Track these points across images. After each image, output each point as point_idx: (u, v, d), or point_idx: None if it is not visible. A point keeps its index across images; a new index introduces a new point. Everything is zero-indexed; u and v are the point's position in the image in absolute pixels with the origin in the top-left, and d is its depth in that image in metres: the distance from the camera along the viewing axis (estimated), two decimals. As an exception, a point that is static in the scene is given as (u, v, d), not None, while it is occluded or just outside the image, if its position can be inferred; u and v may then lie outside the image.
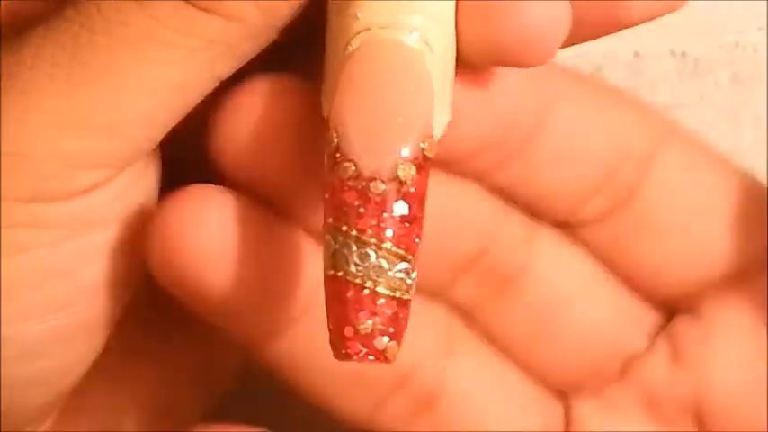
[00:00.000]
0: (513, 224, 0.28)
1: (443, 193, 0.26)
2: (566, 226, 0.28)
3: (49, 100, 0.23)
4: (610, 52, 0.34)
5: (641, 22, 0.25)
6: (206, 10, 0.23)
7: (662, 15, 0.25)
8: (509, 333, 0.28)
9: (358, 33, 0.23)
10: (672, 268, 0.28)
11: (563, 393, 0.29)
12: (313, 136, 0.24)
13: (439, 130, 0.24)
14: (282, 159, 0.25)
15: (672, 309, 0.29)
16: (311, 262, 0.25)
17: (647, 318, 0.29)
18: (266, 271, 0.25)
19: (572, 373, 0.29)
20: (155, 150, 0.25)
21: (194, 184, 0.25)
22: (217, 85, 0.24)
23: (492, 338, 0.28)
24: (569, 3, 0.23)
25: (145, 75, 0.23)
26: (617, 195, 0.27)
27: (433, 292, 0.28)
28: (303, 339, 0.26)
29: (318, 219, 0.24)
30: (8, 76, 0.24)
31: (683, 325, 0.29)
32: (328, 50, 0.24)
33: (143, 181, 0.25)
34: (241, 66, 0.24)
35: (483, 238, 0.27)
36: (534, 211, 0.28)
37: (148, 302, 0.27)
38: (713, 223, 0.28)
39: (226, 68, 0.24)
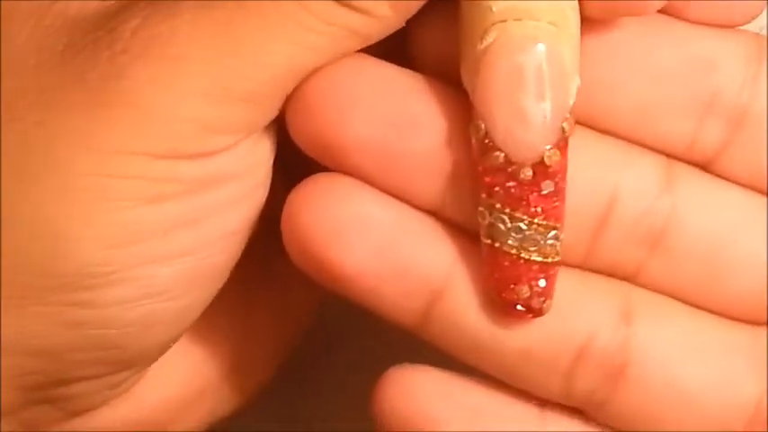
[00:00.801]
0: (644, 166, 0.27)
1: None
2: (700, 166, 0.28)
3: (199, 67, 0.25)
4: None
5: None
6: (350, 8, 0.26)
7: None
8: (681, 287, 0.28)
9: (493, 24, 0.25)
10: None
11: None
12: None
13: (571, 97, 0.26)
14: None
15: None
16: (444, 238, 0.27)
17: None
18: (401, 251, 0.27)
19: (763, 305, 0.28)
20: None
21: (320, 174, 0.27)
22: None
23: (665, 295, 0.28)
24: None
25: (286, 54, 0.25)
26: (732, 112, 0.27)
27: (582, 262, 0.27)
28: (452, 317, 0.27)
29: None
30: (161, 41, 0.25)
31: None
32: (462, 34, 0.26)
33: (263, 142, 0.27)
34: None
35: (612, 187, 0.27)
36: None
37: None
38: None
39: (354, 50, 0.26)
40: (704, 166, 0.28)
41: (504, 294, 0.26)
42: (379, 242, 0.26)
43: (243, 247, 0.27)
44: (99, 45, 0.26)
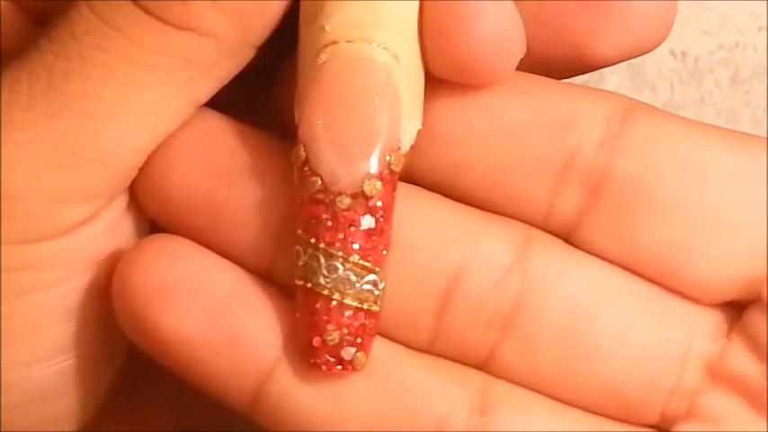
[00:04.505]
0: (495, 238, 0.25)
1: (401, 210, 0.24)
2: (562, 236, 0.25)
3: (28, 133, 0.23)
4: (610, 52, 0.35)
5: (607, 63, 0.25)
6: (180, 27, 0.23)
7: (629, 58, 0.25)
8: (539, 374, 0.25)
9: (326, 46, 0.23)
10: (697, 243, 0.25)
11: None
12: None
13: (408, 139, 0.24)
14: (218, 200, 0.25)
15: (740, 303, 0.25)
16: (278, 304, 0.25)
17: (706, 317, 0.25)
18: (231, 318, 0.25)
19: (641, 400, 0.25)
20: None
21: (155, 235, 0.25)
22: (195, 109, 0.24)
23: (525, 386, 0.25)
24: (522, 24, 0.24)
25: (124, 99, 0.23)
26: (589, 177, 0.25)
27: (431, 344, 0.25)
28: (287, 396, 0.25)
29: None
30: None
31: (754, 314, 0.25)
32: (300, 59, 0.24)
33: (131, 212, 0.25)
34: (219, 88, 0.24)
35: (458, 260, 0.25)
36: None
37: None
38: (719, 181, 0.25)
39: (205, 90, 0.24)
40: (566, 236, 0.25)
41: (313, 342, 0.24)
42: (207, 308, 0.24)
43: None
44: None
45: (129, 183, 0.24)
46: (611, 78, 0.36)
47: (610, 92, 0.25)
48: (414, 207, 0.25)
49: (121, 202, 0.25)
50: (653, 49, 0.26)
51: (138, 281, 0.24)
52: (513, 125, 0.25)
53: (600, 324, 0.25)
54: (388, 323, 0.24)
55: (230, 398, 0.25)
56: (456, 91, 0.24)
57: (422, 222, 0.24)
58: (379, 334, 0.24)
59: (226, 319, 0.24)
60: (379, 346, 0.24)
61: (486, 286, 0.25)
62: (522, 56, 0.24)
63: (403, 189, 0.24)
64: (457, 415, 0.25)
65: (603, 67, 0.26)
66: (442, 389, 0.25)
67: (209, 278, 0.24)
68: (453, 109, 0.25)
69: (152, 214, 0.25)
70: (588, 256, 0.25)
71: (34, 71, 0.23)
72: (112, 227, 0.24)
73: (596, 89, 0.25)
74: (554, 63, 0.25)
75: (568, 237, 0.25)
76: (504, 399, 0.25)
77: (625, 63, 0.35)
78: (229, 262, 0.25)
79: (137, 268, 0.24)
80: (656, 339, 0.25)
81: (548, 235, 0.25)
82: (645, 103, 0.25)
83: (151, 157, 0.24)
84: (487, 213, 0.25)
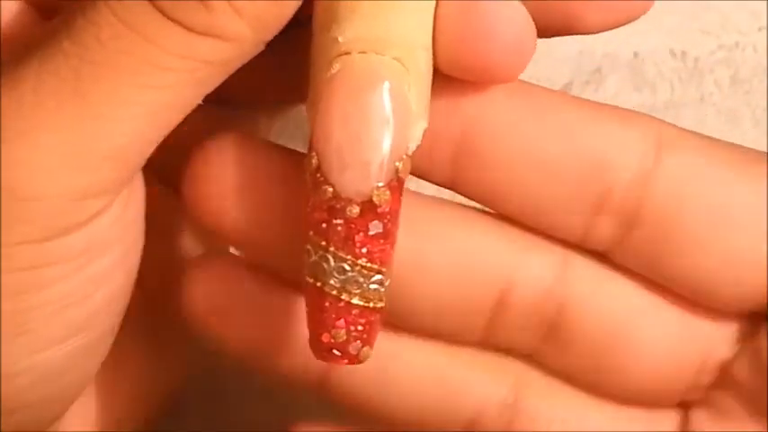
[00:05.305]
0: (539, 256, 0.27)
1: (456, 232, 0.27)
2: (598, 254, 0.27)
3: (55, 136, 0.23)
4: (610, 52, 0.34)
5: (596, 31, 0.26)
6: (203, 34, 0.24)
7: (619, 25, 0.26)
8: (575, 374, 0.28)
9: (338, 56, 0.24)
10: (724, 276, 0.27)
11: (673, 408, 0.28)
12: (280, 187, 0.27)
13: (414, 140, 0.25)
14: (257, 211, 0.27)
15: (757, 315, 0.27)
16: None
17: (727, 327, 0.28)
18: (283, 327, 0.27)
19: (662, 396, 0.28)
20: None
21: (206, 259, 0.28)
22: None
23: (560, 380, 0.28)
24: (534, 26, 0.25)
25: (143, 99, 0.24)
26: (623, 212, 0.26)
27: (475, 343, 0.28)
28: (346, 385, 0.28)
29: None
30: (7, 116, 0.24)
31: (763, 332, 0.27)
32: (313, 65, 0.25)
33: (134, 196, 0.26)
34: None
35: (506, 275, 0.27)
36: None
37: None
38: (744, 221, 0.26)
39: (216, 84, 0.25)
40: (602, 255, 0.27)
41: (322, 337, 0.25)
42: (263, 321, 0.27)
43: (128, 301, 0.27)
44: None
45: (137, 172, 0.25)
46: (612, 78, 0.35)
47: (641, 118, 0.27)
48: (466, 231, 0.27)
49: (126, 190, 0.25)
50: (641, 15, 0.26)
51: (200, 306, 0.28)
52: (548, 159, 0.26)
53: (630, 340, 0.27)
54: (441, 330, 0.27)
55: (301, 385, 0.28)
56: (489, 115, 0.26)
57: (476, 237, 0.27)
58: (429, 336, 0.28)
59: (281, 328, 0.27)
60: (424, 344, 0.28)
61: (530, 301, 0.27)
62: (534, 52, 0.25)
63: (458, 210, 0.27)
64: (492, 407, 0.28)
65: (593, 33, 0.27)
66: (480, 381, 0.28)
67: (260, 295, 0.28)
68: (487, 136, 0.26)
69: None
70: (620, 276, 0.27)
71: (59, 74, 0.24)
72: (121, 213, 0.25)
73: (628, 114, 0.27)
74: (545, 32, 0.26)
75: (604, 256, 0.27)
76: (539, 389, 0.28)
77: (625, 63, 0.36)
78: (273, 275, 0.27)
79: (198, 295, 0.28)
80: (680, 351, 0.28)
81: (584, 259, 0.27)
82: (676, 131, 0.27)
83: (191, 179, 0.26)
84: (529, 236, 0.27)
